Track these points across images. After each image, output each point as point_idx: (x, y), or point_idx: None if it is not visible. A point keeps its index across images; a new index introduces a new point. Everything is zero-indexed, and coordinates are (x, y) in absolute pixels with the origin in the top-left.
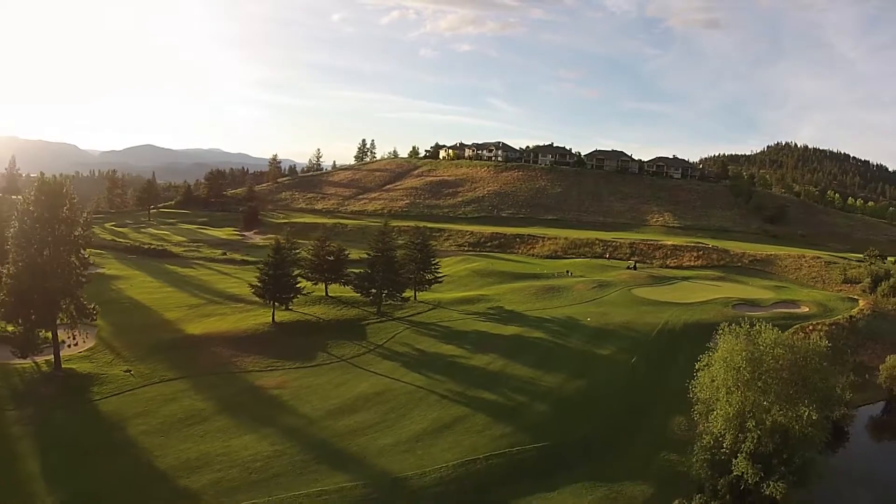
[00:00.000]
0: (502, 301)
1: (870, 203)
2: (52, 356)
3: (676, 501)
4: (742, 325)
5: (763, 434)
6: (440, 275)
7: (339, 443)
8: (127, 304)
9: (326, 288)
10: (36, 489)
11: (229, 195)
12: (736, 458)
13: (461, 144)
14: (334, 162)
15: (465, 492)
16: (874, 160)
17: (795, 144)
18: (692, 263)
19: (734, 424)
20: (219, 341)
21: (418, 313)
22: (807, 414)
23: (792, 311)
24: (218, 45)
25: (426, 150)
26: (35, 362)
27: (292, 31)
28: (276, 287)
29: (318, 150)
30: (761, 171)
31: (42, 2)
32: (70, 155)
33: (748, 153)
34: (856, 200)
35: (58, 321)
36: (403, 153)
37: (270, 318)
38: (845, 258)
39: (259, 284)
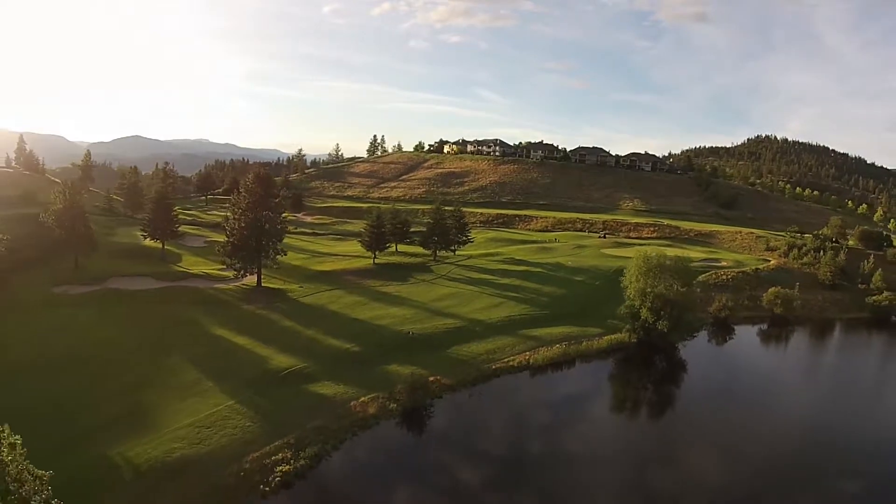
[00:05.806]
0: (513, 255)
1: (815, 192)
2: (244, 282)
3: (614, 334)
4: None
5: (655, 297)
6: (471, 237)
7: (441, 310)
8: None
9: (396, 246)
10: (298, 330)
11: None
12: (641, 310)
13: (463, 141)
14: (342, 154)
15: (511, 326)
16: (859, 153)
17: (775, 137)
18: (649, 235)
19: (640, 293)
20: (344, 273)
21: (460, 260)
22: (675, 287)
23: (713, 264)
24: (206, 37)
25: (430, 145)
26: (236, 286)
27: (282, 23)
28: (377, 242)
29: (337, 144)
30: (739, 163)
31: None
32: (59, 146)
33: (728, 146)
34: (804, 190)
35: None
36: (406, 146)
37: (371, 261)
38: (781, 235)
39: (367, 240)
